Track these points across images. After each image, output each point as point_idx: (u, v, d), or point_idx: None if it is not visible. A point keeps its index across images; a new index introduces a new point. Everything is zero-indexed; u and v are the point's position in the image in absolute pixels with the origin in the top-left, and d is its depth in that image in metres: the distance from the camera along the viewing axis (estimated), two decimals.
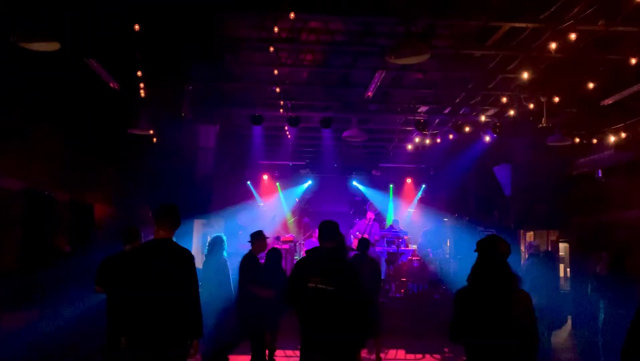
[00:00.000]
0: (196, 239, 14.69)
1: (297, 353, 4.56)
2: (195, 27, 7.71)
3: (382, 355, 8.22)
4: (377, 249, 12.55)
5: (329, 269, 4.38)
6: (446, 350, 9.57)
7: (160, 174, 11.07)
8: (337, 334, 4.20)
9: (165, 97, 9.79)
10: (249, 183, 16.66)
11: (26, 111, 7.39)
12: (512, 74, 8.87)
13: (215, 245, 7.21)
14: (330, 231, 4.57)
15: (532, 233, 13.44)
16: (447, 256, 13.77)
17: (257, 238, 7.19)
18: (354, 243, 13.37)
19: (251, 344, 6.93)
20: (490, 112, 10.99)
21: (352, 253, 12.36)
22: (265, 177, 16.80)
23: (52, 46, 5.77)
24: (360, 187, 17.01)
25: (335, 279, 4.30)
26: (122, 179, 10.94)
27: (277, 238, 14.03)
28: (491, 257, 3.76)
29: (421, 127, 10.59)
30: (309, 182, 16.93)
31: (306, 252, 6.01)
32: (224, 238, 7.35)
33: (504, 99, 9.80)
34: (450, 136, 12.07)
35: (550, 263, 8.67)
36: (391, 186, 17.20)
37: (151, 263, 3.99)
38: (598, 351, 6.88)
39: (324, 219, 4.70)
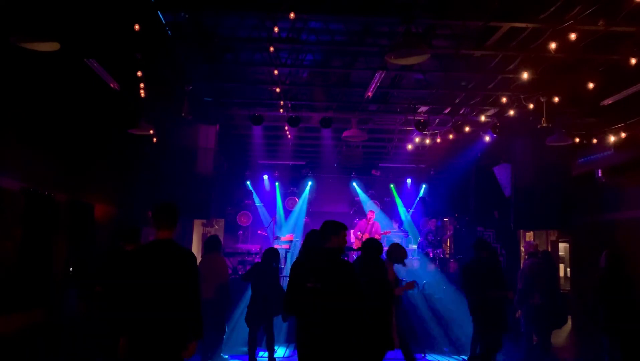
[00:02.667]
0: (196, 239, 14.72)
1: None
2: (195, 27, 7.72)
3: None
4: None
5: (328, 269, 4.38)
6: (446, 349, 9.58)
7: (160, 174, 11.08)
8: (336, 334, 4.20)
9: (165, 97, 9.79)
10: (248, 182, 16.67)
11: (26, 111, 7.39)
12: (512, 74, 8.87)
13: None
14: (330, 232, 4.60)
15: (532, 233, 13.45)
16: (447, 256, 13.77)
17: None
18: (355, 243, 13.39)
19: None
20: (490, 112, 10.99)
21: (351, 254, 12.44)
22: (265, 177, 16.81)
23: (52, 46, 5.76)
24: (359, 191, 17.02)
25: (334, 280, 4.30)
26: (122, 179, 10.95)
27: (277, 238, 14.05)
28: (369, 252, 5.82)
29: (421, 127, 10.59)
30: (310, 183, 16.95)
31: (304, 253, 6.02)
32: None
33: (504, 99, 9.80)
34: (450, 136, 12.06)
35: (549, 263, 8.66)
36: (392, 185, 17.22)
37: (153, 264, 3.99)
38: (598, 351, 6.89)
39: (327, 220, 4.73)
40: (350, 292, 4.30)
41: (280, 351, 8.88)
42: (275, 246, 13.55)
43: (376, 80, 8.77)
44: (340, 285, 4.28)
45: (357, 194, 17.22)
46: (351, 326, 4.26)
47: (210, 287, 7.58)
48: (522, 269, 8.73)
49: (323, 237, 4.62)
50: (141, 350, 3.87)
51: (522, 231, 13.46)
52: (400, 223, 16.14)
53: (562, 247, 13.11)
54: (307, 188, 16.89)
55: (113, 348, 5.43)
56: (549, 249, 12.75)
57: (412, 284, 6.78)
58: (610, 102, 8.88)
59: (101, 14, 6.76)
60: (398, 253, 6.67)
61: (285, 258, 12.92)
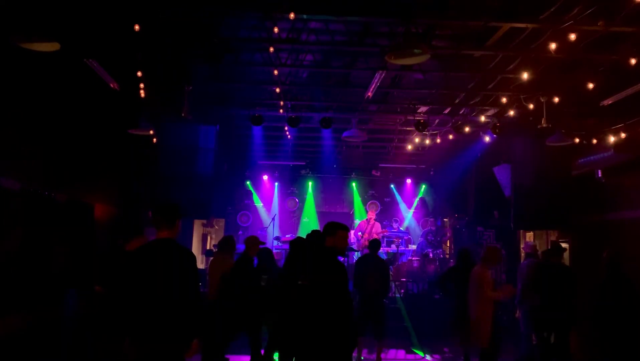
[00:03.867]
0: (196, 239, 14.73)
1: None
2: (195, 27, 7.72)
3: (382, 355, 8.22)
4: None
5: (318, 267, 4.41)
6: (446, 350, 9.57)
7: (160, 174, 11.08)
8: (326, 332, 4.21)
9: (165, 97, 9.79)
10: (248, 183, 16.68)
11: (26, 111, 7.39)
12: (512, 74, 8.87)
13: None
14: (326, 232, 4.62)
15: (532, 233, 13.44)
16: (447, 256, 13.78)
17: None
18: (355, 244, 13.40)
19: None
20: (490, 112, 10.99)
21: (351, 253, 12.45)
22: (265, 177, 16.83)
23: (52, 46, 5.77)
24: (355, 195, 17.04)
25: (322, 278, 4.32)
26: (122, 179, 10.95)
27: (277, 238, 14.07)
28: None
29: (421, 128, 10.59)
30: (310, 183, 16.97)
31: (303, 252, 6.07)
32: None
33: (504, 99, 9.80)
34: (450, 136, 12.07)
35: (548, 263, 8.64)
36: (392, 186, 17.24)
37: (154, 264, 3.99)
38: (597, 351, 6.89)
39: (330, 220, 4.77)
40: (337, 291, 4.30)
41: None
42: (275, 247, 13.60)
43: (376, 80, 8.78)
44: (328, 283, 4.30)
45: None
46: (337, 323, 4.26)
47: (216, 287, 7.43)
48: (520, 269, 8.73)
49: (322, 237, 4.66)
50: (143, 349, 3.87)
51: (522, 231, 13.45)
52: (400, 223, 16.15)
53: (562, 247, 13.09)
54: (310, 188, 16.91)
55: (113, 348, 5.44)
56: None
57: (508, 292, 6.87)
58: (610, 102, 8.88)
59: (101, 14, 6.77)
60: (494, 256, 6.81)
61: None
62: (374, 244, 8.35)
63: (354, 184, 17.05)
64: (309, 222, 16.38)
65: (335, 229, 4.62)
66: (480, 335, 6.58)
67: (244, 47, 8.71)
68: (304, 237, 6.51)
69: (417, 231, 16.22)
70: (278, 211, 16.48)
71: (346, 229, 4.71)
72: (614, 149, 9.88)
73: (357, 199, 16.92)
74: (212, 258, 8.01)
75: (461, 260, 8.01)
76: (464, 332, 7.23)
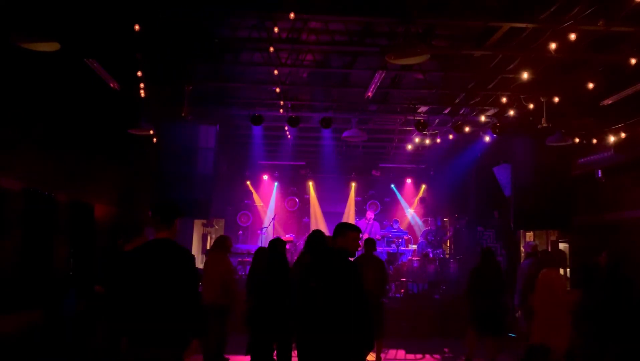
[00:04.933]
0: (196, 239, 14.73)
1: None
2: (195, 27, 7.73)
3: (382, 355, 8.21)
4: (377, 249, 12.57)
5: (328, 269, 4.39)
6: (446, 350, 9.58)
7: (160, 174, 11.09)
8: (337, 337, 4.18)
9: (165, 97, 9.80)
10: (248, 182, 16.68)
11: (26, 111, 7.39)
12: (512, 74, 8.87)
13: None
14: (336, 233, 4.61)
15: (532, 233, 13.44)
16: (447, 256, 13.78)
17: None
18: None
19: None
20: (490, 112, 10.99)
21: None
22: (265, 177, 16.83)
23: (52, 46, 5.77)
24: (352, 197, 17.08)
25: (332, 280, 4.30)
26: (122, 179, 10.95)
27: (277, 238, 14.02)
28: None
29: (421, 128, 10.58)
30: (310, 183, 16.96)
31: (309, 254, 6.04)
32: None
33: (504, 99, 9.80)
34: (450, 136, 12.07)
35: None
36: (393, 185, 17.24)
37: (152, 264, 3.99)
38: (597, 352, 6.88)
39: (340, 222, 4.77)
40: (348, 293, 4.27)
41: None
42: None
43: (376, 80, 8.77)
44: (338, 286, 4.27)
45: (357, 195, 17.23)
46: (347, 327, 4.23)
47: (214, 287, 7.43)
48: (521, 269, 8.73)
49: (332, 238, 4.65)
50: (141, 349, 3.87)
51: (522, 231, 13.45)
52: (401, 223, 16.14)
53: (562, 247, 13.10)
54: (311, 188, 16.91)
55: (113, 347, 5.44)
56: (549, 250, 12.75)
57: (577, 296, 6.91)
58: (610, 102, 8.88)
59: (101, 13, 6.77)
60: (560, 257, 6.94)
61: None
62: (369, 243, 8.34)
63: (353, 184, 17.06)
64: (310, 222, 16.39)
65: (345, 230, 4.62)
66: (563, 338, 6.66)
67: (244, 47, 8.71)
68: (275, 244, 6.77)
69: (420, 229, 16.18)
70: (278, 211, 16.49)
71: (357, 230, 4.69)
72: (614, 149, 9.88)
73: (352, 199, 16.95)
74: (207, 258, 7.94)
75: (485, 259, 8.09)
76: (495, 329, 7.69)
